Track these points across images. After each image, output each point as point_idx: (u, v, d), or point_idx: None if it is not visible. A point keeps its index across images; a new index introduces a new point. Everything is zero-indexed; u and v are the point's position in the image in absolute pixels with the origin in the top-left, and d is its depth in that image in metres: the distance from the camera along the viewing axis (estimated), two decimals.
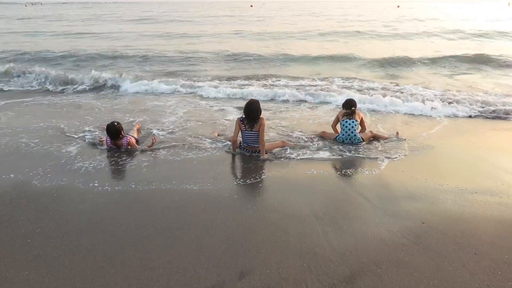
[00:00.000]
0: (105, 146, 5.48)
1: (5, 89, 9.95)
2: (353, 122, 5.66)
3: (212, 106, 8.04)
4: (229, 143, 5.55)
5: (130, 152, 5.33)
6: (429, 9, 60.25)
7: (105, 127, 5.39)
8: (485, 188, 4.20)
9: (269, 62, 13.67)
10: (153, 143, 5.48)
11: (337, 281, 2.71)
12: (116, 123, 5.34)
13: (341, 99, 7.52)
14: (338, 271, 2.82)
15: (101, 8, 76.14)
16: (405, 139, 5.82)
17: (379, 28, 25.67)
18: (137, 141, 5.63)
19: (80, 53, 15.16)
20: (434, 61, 13.03)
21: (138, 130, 6.18)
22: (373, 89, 9.21)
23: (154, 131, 6.19)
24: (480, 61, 12.93)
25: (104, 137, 5.55)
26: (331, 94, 8.61)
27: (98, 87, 10.05)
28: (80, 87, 10.06)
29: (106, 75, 10.50)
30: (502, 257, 3.01)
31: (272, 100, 8.67)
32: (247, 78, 10.85)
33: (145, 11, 55.84)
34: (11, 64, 11.95)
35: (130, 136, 5.51)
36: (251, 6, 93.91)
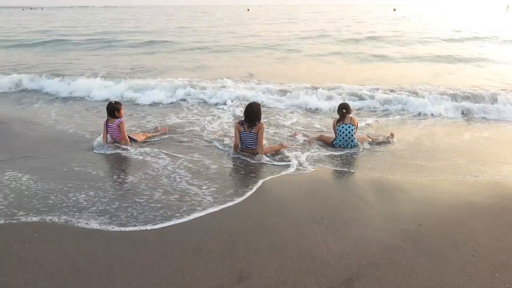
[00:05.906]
0: (101, 141, 5.71)
1: None
2: (349, 127, 5.62)
3: None
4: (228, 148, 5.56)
5: (128, 154, 5.34)
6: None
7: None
8: (482, 190, 4.22)
9: None
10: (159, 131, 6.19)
11: (335, 284, 2.72)
12: (114, 102, 5.72)
13: None
14: (337, 274, 2.83)
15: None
16: (400, 141, 5.84)
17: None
18: (134, 141, 5.76)
19: None
20: None
21: (146, 135, 6.06)
22: None
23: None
24: None
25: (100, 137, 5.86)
26: None
27: None
28: None
29: None
30: (500, 259, 3.02)
31: None
32: None
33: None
34: None
35: (123, 121, 5.68)
36: (248, 10, 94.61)
